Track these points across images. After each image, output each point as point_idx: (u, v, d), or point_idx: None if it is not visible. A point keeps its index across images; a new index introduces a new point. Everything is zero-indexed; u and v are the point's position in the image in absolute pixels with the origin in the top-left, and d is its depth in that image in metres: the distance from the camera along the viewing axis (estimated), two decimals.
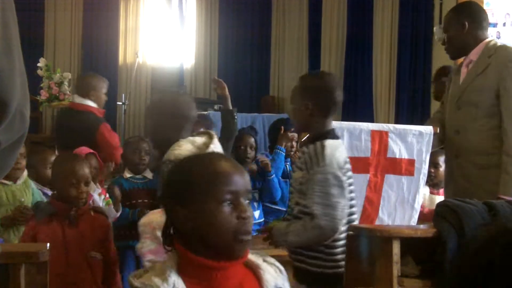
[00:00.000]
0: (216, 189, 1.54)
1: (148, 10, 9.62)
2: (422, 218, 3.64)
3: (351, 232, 2.79)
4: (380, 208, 3.35)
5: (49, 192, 3.84)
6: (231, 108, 4.07)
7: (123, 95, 8.18)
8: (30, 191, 3.64)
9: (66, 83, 7.32)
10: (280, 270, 1.65)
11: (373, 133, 3.28)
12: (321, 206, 2.55)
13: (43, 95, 7.31)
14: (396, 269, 2.56)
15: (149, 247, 2.48)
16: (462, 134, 3.34)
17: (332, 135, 2.72)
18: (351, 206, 2.69)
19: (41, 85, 7.32)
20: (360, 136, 3.26)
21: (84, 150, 4.15)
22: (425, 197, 4.08)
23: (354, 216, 2.73)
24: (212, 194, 1.54)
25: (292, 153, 4.56)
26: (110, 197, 4.06)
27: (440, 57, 7.19)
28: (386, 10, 7.93)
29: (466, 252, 2.62)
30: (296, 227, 2.68)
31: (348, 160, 2.73)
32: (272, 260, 1.66)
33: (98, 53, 9.46)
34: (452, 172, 3.44)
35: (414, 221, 3.41)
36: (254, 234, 4.33)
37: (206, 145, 2.78)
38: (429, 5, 7.51)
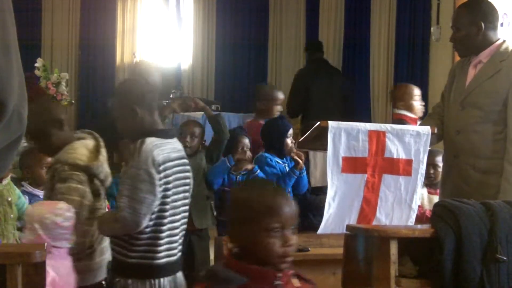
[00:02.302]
0: None
1: (145, 11, 9.60)
2: (420, 219, 3.64)
3: (348, 232, 2.79)
4: (377, 208, 3.34)
5: (41, 194, 3.80)
6: (213, 114, 4.33)
7: None
8: (14, 191, 3.64)
9: (63, 83, 7.29)
10: None
11: (370, 133, 3.27)
12: (127, 199, 2.63)
13: None
14: (393, 269, 2.56)
15: (28, 237, 2.66)
16: (463, 135, 3.31)
17: (161, 134, 2.80)
18: (164, 204, 2.74)
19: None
20: (357, 136, 3.25)
21: None
22: (423, 197, 4.08)
23: (167, 214, 2.76)
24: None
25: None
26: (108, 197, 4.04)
27: (437, 58, 7.20)
28: (383, 10, 7.92)
29: (463, 252, 2.62)
30: (106, 217, 2.87)
31: (177, 160, 2.82)
32: None
33: (95, 53, 9.43)
34: (450, 172, 3.43)
35: (411, 221, 3.41)
36: None
37: (97, 148, 2.89)
38: (427, 5, 7.50)
